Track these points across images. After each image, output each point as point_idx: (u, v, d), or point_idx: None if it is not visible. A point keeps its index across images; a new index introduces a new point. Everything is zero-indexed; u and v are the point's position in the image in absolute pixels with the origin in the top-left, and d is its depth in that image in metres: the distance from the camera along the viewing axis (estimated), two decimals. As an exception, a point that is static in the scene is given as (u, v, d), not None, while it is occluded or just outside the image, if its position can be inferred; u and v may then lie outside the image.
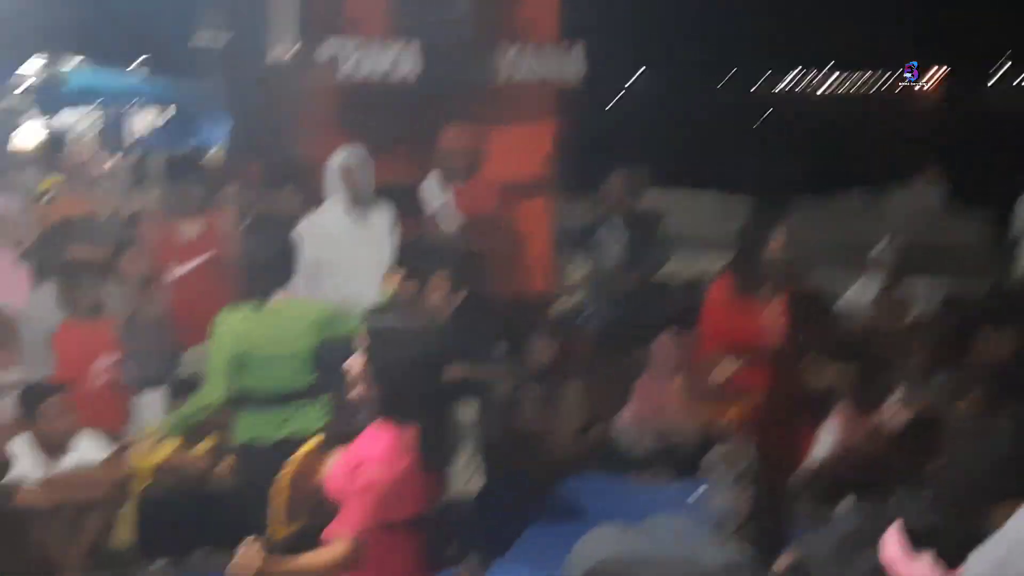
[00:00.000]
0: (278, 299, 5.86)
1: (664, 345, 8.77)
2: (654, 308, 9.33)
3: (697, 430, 8.12)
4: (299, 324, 5.85)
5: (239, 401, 5.91)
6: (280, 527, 4.18)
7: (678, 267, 11.10)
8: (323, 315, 5.96)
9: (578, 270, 9.88)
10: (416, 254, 8.43)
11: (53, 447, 6.51)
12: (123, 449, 6.78)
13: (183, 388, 6.99)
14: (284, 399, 5.87)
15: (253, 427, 5.90)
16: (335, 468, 4.09)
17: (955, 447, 6.61)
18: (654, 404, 8.39)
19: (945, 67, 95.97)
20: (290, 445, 5.27)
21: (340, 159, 8.20)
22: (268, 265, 5.87)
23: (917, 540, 2.10)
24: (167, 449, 6.79)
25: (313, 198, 8.47)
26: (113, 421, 6.92)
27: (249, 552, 3.77)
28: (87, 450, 6.60)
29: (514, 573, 6.54)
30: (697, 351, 6.32)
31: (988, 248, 10.90)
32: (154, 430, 6.82)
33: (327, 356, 5.99)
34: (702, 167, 17.10)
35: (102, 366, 6.86)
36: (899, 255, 9.10)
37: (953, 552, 2.08)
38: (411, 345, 4.03)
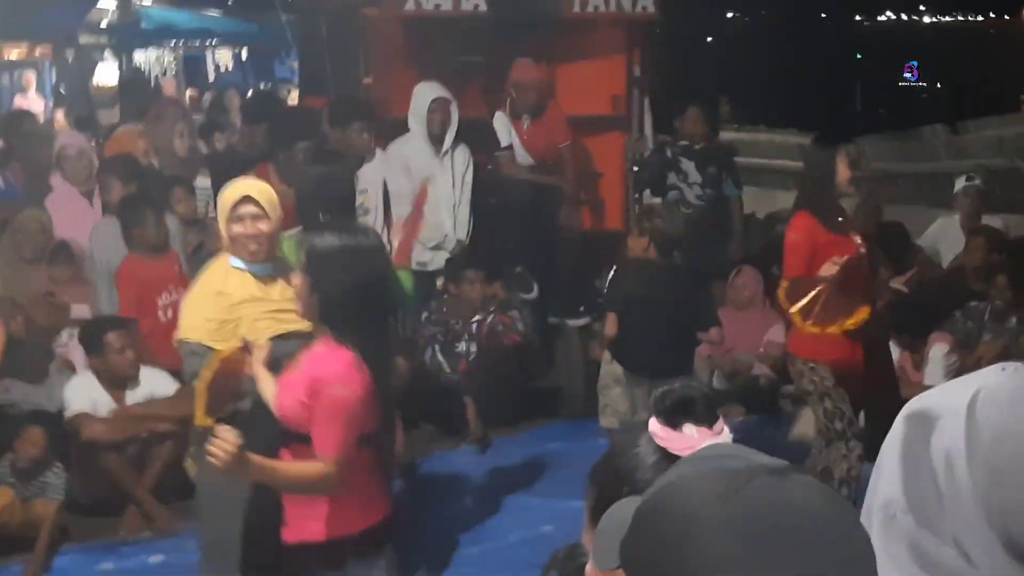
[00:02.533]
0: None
1: (745, 277, 8.69)
2: (731, 245, 9.21)
3: (774, 365, 8.08)
4: None
5: None
6: (201, 419, 4.39)
7: (754, 203, 10.95)
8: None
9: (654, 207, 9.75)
10: (491, 190, 8.49)
11: (118, 381, 6.57)
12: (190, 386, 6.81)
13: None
14: None
15: None
16: (286, 388, 4.12)
17: None
18: (732, 338, 8.27)
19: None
20: None
21: (425, 97, 8.20)
22: (327, 201, 5.85)
23: (677, 416, 2.28)
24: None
25: (385, 134, 8.46)
26: (178, 358, 6.92)
27: (227, 436, 3.76)
28: (153, 385, 6.65)
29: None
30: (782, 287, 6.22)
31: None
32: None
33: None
34: (782, 106, 16.82)
35: (167, 301, 6.88)
36: (981, 191, 8.85)
37: (706, 414, 2.28)
38: (349, 262, 4.09)
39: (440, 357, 8.17)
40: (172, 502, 6.51)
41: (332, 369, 3.99)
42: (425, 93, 8.30)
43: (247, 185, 4.79)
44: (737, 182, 9.37)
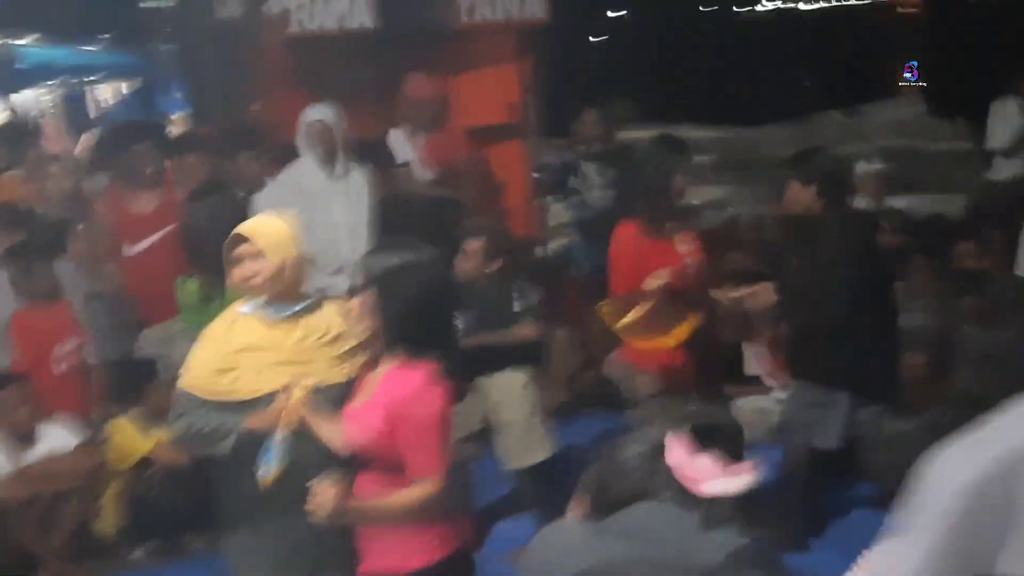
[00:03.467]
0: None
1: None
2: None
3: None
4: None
5: None
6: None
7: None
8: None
9: (560, 213, 9.64)
10: (390, 209, 8.29)
11: (19, 438, 6.28)
12: (96, 436, 6.55)
13: (141, 368, 6.77)
14: None
15: None
16: (358, 418, 3.95)
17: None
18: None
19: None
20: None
21: (312, 117, 7.98)
22: (217, 235, 5.61)
23: (701, 440, 2.23)
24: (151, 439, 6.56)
25: (277, 160, 8.24)
26: (81, 407, 6.67)
27: (325, 489, 3.72)
28: (56, 438, 6.37)
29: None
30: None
31: (966, 160, 10.67)
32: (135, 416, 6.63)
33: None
34: (679, 100, 16.79)
35: (62, 352, 6.60)
36: (884, 174, 8.84)
37: (734, 448, 2.26)
38: (416, 276, 3.93)
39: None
40: (84, 561, 6.23)
41: (411, 387, 3.86)
42: (311, 115, 8.08)
43: (246, 226, 4.39)
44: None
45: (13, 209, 7.26)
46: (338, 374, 4.19)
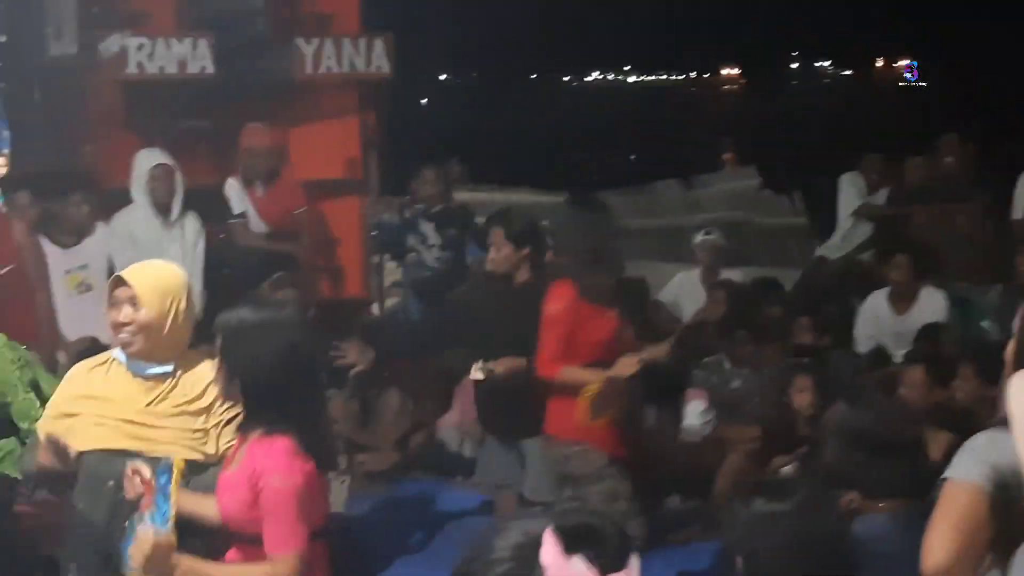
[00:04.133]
0: None
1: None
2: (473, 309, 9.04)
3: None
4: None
5: None
6: None
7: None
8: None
9: (393, 272, 9.55)
10: (224, 260, 8.10)
11: None
12: None
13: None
14: None
15: None
16: (227, 488, 3.68)
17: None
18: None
19: (737, 68, 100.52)
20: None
21: (146, 164, 7.77)
22: None
23: (574, 542, 2.05)
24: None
25: (106, 205, 8.00)
26: None
27: (146, 536, 3.46)
28: None
29: None
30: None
31: (800, 235, 10.96)
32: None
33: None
34: (513, 163, 16.94)
35: None
36: (719, 245, 8.97)
37: (613, 554, 2.07)
38: (271, 337, 3.65)
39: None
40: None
41: (270, 461, 3.57)
42: (146, 160, 7.89)
43: (129, 268, 4.07)
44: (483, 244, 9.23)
45: None
46: (191, 449, 3.90)
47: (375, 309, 9.63)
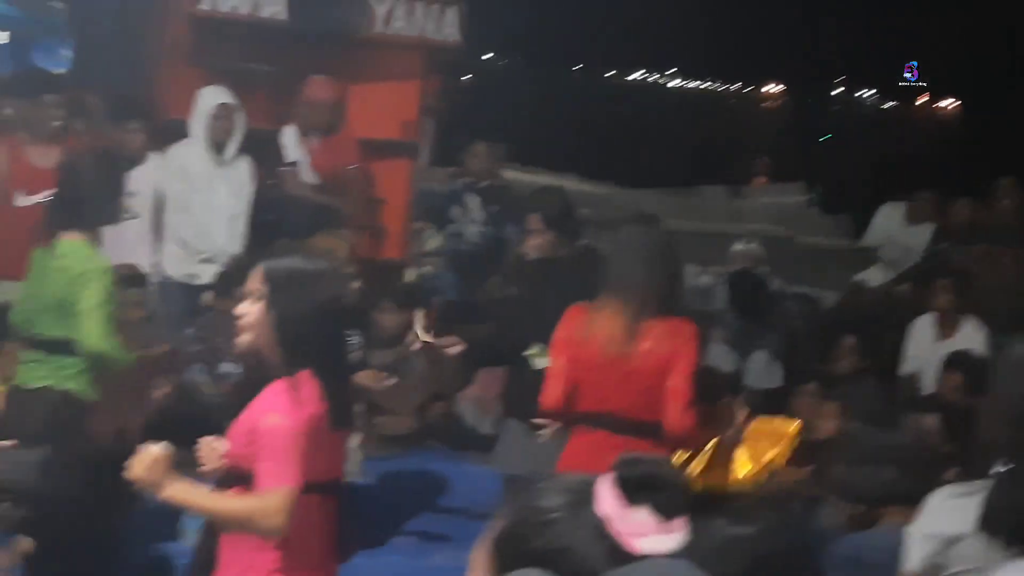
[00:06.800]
0: (68, 239, 5.46)
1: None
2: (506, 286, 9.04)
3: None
4: (67, 273, 5.40)
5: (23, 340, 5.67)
6: None
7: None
8: (73, 269, 5.42)
9: (433, 239, 9.54)
10: (271, 206, 8.11)
11: None
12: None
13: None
14: (43, 346, 5.52)
15: (22, 370, 5.64)
16: (234, 431, 3.76)
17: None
18: (498, 388, 8.08)
19: (782, 84, 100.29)
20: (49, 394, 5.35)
21: (210, 102, 7.82)
22: (93, 202, 5.45)
23: (638, 491, 2.06)
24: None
25: (162, 136, 8.00)
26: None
27: (147, 452, 3.61)
28: None
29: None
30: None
31: (844, 255, 10.91)
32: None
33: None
34: (556, 149, 16.92)
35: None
36: (756, 255, 8.96)
37: (671, 504, 2.08)
38: (315, 289, 3.75)
39: (205, 377, 7.70)
40: None
41: (275, 399, 3.66)
42: (210, 97, 7.93)
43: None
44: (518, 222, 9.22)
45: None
46: None
47: (410, 274, 9.63)
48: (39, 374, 5.51)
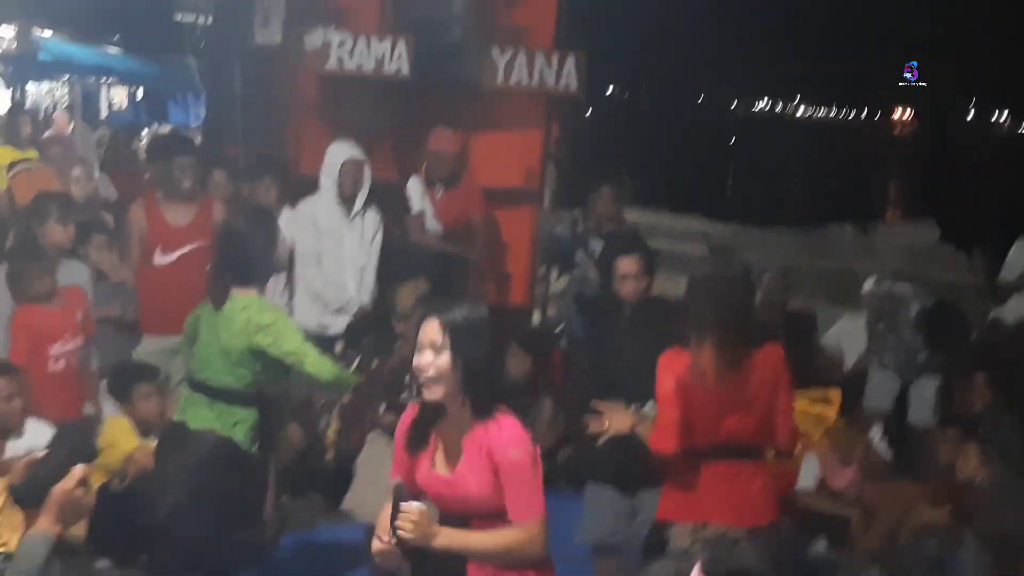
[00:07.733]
0: (240, 293, 5.66)
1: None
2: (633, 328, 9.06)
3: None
4: (249, 326, 5.60)
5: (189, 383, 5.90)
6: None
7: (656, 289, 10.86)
8: (259, 321, 5.61)
9: (558, 283, 9.64)
10: (398, 255, 8.29)
11: (6, 429, 6.17)
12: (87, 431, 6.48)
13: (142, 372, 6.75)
14: (212, 392, 5.72)
15: (183, 409, 5.86)
16: (467, 475, 3.93)
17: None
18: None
19: (911, 110, 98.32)
20: (211, 437, 5.62)
21: (339, 157, 8.04)
22: (255, 256, 5.66)
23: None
24: (132, 441, 6.52)
25: (292, 190, 8.24)
26: (69, 408, 6.59)
27: (413, 509, 3.78)
28: (36, 437, 6.25)
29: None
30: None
31: (976, 293, 10.72)
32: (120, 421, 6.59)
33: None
34: (680, 189, 16.91)
35: (60, 351, 6.53)
36: (889, 293, 8.84)
37: None
38: (487, 333, 3.95)
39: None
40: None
41: (504, 435, 3.88)
42: (339, 152, 8.17)
43: None
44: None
45: (69, 200, 7.29)
46: None
47: (535, 318, 9.73)
48: (205, 416, 5.72)
